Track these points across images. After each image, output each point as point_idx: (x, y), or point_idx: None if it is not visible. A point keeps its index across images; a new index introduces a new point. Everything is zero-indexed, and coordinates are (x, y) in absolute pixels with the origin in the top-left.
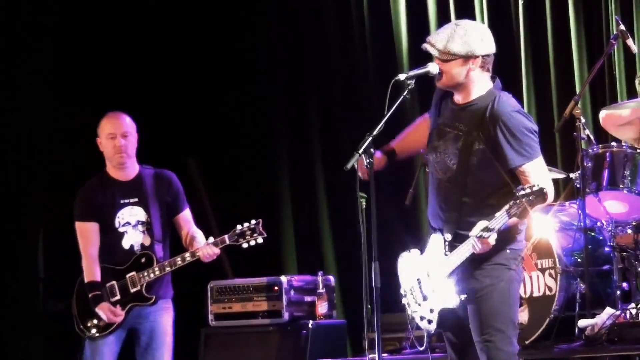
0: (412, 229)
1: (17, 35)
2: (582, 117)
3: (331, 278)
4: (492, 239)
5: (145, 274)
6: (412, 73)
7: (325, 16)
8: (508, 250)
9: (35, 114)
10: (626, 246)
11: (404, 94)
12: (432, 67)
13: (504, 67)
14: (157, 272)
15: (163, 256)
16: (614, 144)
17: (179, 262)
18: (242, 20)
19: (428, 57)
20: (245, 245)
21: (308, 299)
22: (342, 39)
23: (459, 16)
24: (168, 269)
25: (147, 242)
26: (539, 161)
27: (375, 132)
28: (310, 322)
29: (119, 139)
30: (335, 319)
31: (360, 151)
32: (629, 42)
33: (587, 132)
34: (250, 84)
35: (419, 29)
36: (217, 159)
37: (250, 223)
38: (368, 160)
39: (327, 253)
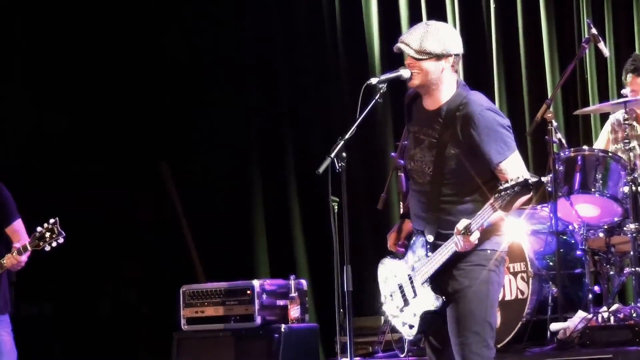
0: (384, 233)
1: None
2: (553, 121)
3: (303, 282)
4: (475, 236)
5: None
6: (383, 77)
7: (296, 20)
8: (488, 251)
9: (8, 119)
10: (598, 249)
11: (376, 97)
12: (404, 72)
13: (475, 70)
14: None
15: None
16: (585, 147)
17: None
18: (213, 25)
19: (400, 61)
20: (47, 248)
21: (280, 302)
22: (314, 42)
23: (431, 17)
24: None
25: None
26: (515, 157)
27: (347, 136)
28: (283, 326)
29: None
30: (308, 323)
31: (332, 155)
32: (601, 45)
33: (559, 135)
34: (222, 87)
35: (391, 33)
36: (189, 163)
37: (48, 223)
38: (340, 164)
39: (300, 257)
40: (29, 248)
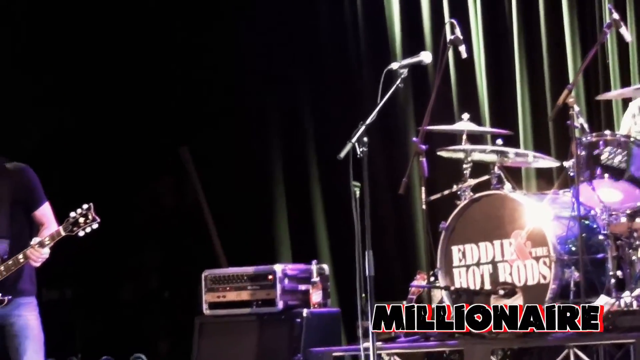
0: (405, 218)
1: None
2: (575, 106)
3: (325, 267)
4: None
5: None
6: (404, 62)
7: (317, 7)
8: None
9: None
10: (620, 234)
11: (397, 83)
12: (425, 56)
13: (497, 56)
14: (3, 272)
15: (10, 252)
16: (607, 132)
17: (21, 260)
18: (233, 14)
19: (421, 46)
20: (81, 234)
21: (302, 287)
22: (334, 26)
23: (452, 2)
24: (13, 267)
25: None
26: None
27: (368, 121)
28: (305, 310)
29: None
30: (330, 308)
31: (354, 140)
32: (622, 30)
33: (581, 120)
34: (242, 73)
35: (412, 16)
36: (209, 148)
37: (82, 209)
38: (361, 149)
39: (321, 242)
40: (63, 233)
